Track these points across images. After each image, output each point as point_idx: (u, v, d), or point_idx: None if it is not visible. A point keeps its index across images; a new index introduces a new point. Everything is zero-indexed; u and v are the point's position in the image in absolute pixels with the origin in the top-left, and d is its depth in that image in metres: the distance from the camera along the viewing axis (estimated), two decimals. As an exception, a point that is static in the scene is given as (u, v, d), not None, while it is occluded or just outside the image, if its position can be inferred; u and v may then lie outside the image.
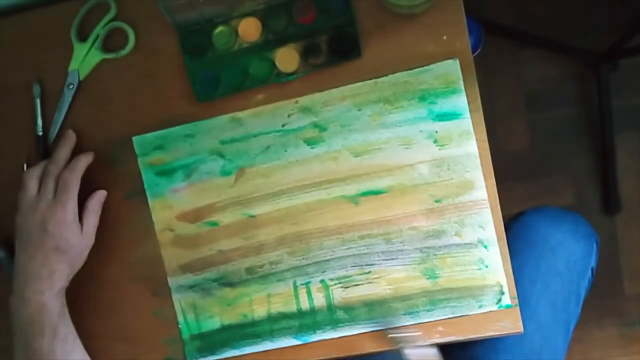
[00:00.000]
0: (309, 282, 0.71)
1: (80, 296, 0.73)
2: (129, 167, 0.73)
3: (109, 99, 0.73)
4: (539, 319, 0.78)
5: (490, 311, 0.68)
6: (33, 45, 0.74)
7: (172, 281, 0.73)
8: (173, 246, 0.73)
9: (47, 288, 0.65)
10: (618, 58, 1.29)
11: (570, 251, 0.80)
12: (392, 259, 0.69)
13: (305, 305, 0.71)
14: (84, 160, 0.70)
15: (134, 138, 0.73)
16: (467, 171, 0.68)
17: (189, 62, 0.71)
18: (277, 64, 0.69)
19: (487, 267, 0.68)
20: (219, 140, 0.71)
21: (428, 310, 0.69)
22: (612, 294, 1.33)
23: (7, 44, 0.75)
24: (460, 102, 0.68)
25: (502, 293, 0.68)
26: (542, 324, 0.78)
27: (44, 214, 0.66)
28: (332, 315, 0.71)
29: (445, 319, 0.69)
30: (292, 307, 0.71)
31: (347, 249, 0.70)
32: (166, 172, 0.72)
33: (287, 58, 0.69)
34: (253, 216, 0.71)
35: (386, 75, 0.69)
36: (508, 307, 0.68)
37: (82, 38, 0.73)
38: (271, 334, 0.72)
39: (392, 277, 0.69)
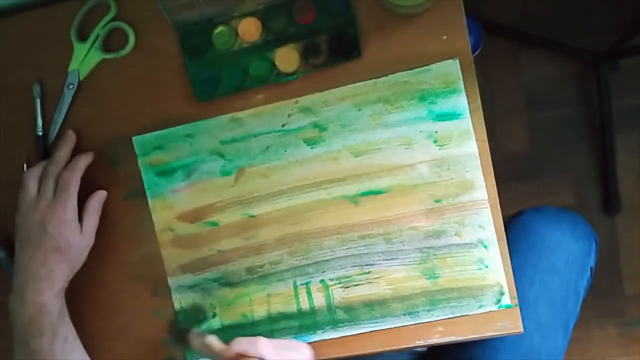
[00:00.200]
0: (309, 282, 0.71)
1: (80, 296, 0.73)
2: (129, 167, 0.73)
3: (109, 99, 0.73)
4: (538, 319, 0.78)
5: (490, 311, 0.68)
6: (33, 45, 0.74)
7: (172, 281, 0.73)
8: (173, 246, 0.73)
9: (46, 288, 0.65)
10: (618, 58, 1.29)
11: (569, 250, 0.80)
12: (392, 259, 0.69)
13: (305, 305, 0.71)
14: (84, 160, 0.70)
15: (134, 138, 0.73)
16: (467, 171, 0.68)
17: (189, 62, 0.71)
18: (277, 64, 0.69)
19: (487, 267, 0.68)
20: (219, 140, 0.71)
21: (428, 310, 0.69)
22: (612, 294, 1.32)
23: (7, 44, 0.75)
24: (460, 102, 0.68)
25: (502, 293, 0.68)
26: (541, 324, 0.78)
27: (44, 214, 0.66)
28: (332, 315, 0.71)
29: (445, 319, 0.69)
30: (292, 307, 0.71)
31: (347, 249, 0.70)
32: (166, 172, 0.72)
33: (287, 58, 0.69)
34: (253, 216, 0.71)
35: (386, 75, 0.69)
36: (508, 307, 0.68)
37: (82, 38, 0.73)
38: (271, 334, 0.72)
39: (392, 277, 0.69)
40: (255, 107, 0.71)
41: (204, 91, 0.71)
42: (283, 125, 0.70)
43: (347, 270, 0.70)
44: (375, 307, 0.70)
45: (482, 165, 0.68)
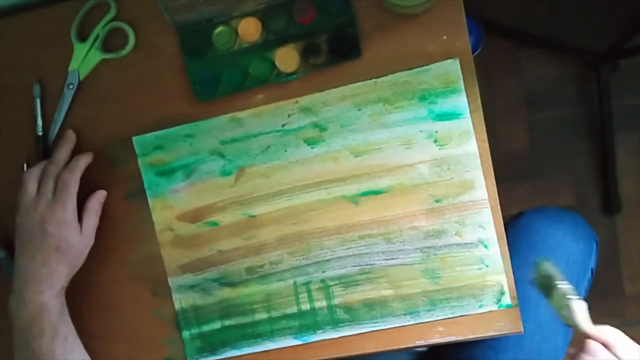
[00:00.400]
0: (309, 282, 0.71)
1: (80, 296, 0.73)
2: (129, 167, 0.73)
3: (109, 99, 0.73)
4: (538, 319, 0.78)
5: (491, 311, 0.68)
6: (33, 45, 0.74)
7: (172, 281, 0.73)
8: (173, 246, 0.73)
9: (46, 288, 0.65)
10: (618, 58, 1.29)
11: (569, 251, 0.80)
12: (393, 258, 0.69)
13: (305, 305, 0.71)
14: (84, 160, 0.70)
15: (134, 138, 0.73)
16: (467, 171, 0.68)
17: (189, 62, 0.71)
18: (277, 64, 0.69)
19: (487, 266, 0.68)
20: (219, 140, 0.71)
21: (428, 310, 0.69)
22: (612, 294, 1.32)
23: (7, 44, 0.75)
24: (460, 102, 0.68)
25: (503, 293, 0.68)
26: (542, 324, 0.78)
27: (44, 214, 0.66)
28: (332, 315, 0.71)
29: (445, 319, 0.69)
30: (292, 307, 0.71)
31: (347, 249, 0.70)
32: (166, 172, 0.72)
33: (287, 58, 0.69)
34: (253, 216, 0.71)
35: (386, 75, 0.69)
36: (508, 306, 0.68)
37: (82, 38, 0.73)
38: (271, 334, 0.72)
39: (392, 277, 0.69)
40: (255, 107, 0.71)
41: (204, 91, 0.71)
42: (283, 125, 0.70)
43: (347, 270, 0.70)
44: (375, 307, 0.70)
45: (482, 165, 0.68)
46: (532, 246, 0.80)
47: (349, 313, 0.70)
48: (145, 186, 0.73)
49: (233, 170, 0.71)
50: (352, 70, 0.69)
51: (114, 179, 0.73)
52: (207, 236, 0.72)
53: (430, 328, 0.69)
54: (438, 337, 0.69)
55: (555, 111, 1.35)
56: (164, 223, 0.73)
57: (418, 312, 0.69)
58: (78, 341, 0.68)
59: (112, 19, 0.73)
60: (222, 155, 0.71)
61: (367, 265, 0.70)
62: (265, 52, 0.70)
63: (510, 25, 1.34)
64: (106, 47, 0.73)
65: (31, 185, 0.68)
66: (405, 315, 0.69)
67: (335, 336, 0.71)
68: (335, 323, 0.71)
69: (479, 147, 0.68)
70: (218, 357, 0.72)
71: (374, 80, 0.69)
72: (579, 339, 0.57)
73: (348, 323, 0.70)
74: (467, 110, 0.68)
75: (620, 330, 0.59)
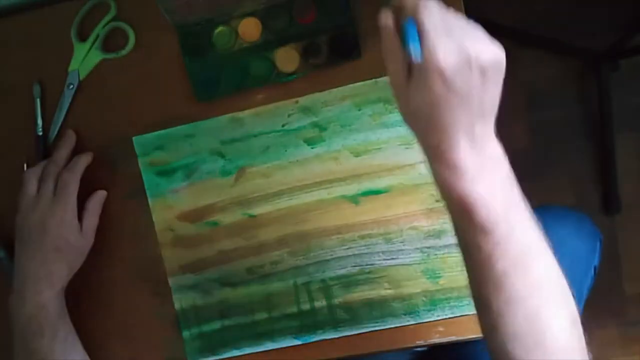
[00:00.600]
0: (310, 282, 0.71)
1: (80, 296, 0.73)
2: (129, 167, 0.73)
3: (109, 99, 0.73)
4: None
5: (491, 311, 0.68)
6: (33, 45, 0.74)
7: (172, 281, 0.73)
8: (173, 246, 0.73)
9: (46, 288, 0.65)
10: (618, 58, 1.29)
11: (573, 249, 0.80)
12: (393, 258, 0.69)
13: (305, 305, 0.71)
14: (84, 160, 0.70)
15: (134, 138, 0.73)
16: (467, 171, 0.68)
17: (189, 62, 0.71)
18: (277, 64, 0.69)
19: (487, 267, 0.68)
20: (219, 140, 0.71)
21: (428, 310, 0.69)
22: (612, 294, 1.32)
23: (7, 44, 0.75)
24: (460, 102, 0.67)
25: (503, 293, 0.68)
26: None
27: (44, 214, 0.66)
28: (332, 315, 0.71)
29: (445, 318, 0.69)
30: (293, 307, 0.71)
31: (348, 248, 0.70)
32: (166, 172, 0.72)
33: (287, 58, 0.69)
34: (253, 216, 0.71)
35: (386, 75, 0.68)
36: (508, 307, 0.68)
37: (82, 38, 0.73)
38: (271, 334, 0.72)
39: (393, 277, 0.69)
40: (256, 107, 0.71)
41: (204, 91, 0.71)
42: (283, 125, 0.70)
43: (347, 270, 0.70)
44: (375, 307, 0.70)
45: (482, 165, 0.68)
46: None
47: (349, 313, 0.70)
48: (145, 186, 0.73)
49: (233, 170, 0.71)
50: (352, 70, 0.69)
51: (114, 179, 0.73)
52: (207, 236, 0.72)
53: (430, 328, 0.69)
54: (438, 337, 0.69)
55: (555, 111, 1.35)
56: (164, 223, 0.73)
57: (418, 312, 0.69)
58: (77, 341, 0.68)
59: (112, 19, 0.73)
60: (222, 155, 0.71)
61: (367, 265, 0.70)
62: (265, 52, 0.70)
63: (510, 25, 1.34)
64: (106, 47, 0.73)
65: (31, 185, 0.68)
66: (405, 315, 0.69)
67: (335, 336, 0.71)
68: (335, 323, 0.71)
69: (479, 147, 0.68)
70: (218, 357, 0.72)
71: (374, 80, 0.69)
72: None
73: (348, 323, 0.70)
74: (467, 110, 0.67)
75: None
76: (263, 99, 0.71)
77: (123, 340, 0.74)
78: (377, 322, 0.70)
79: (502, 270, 0.44)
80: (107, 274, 0.74)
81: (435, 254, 0.69)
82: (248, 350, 0.72)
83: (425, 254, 0.69)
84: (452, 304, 0.69)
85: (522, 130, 1.35)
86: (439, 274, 0.69)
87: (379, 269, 0.70)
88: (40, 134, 0.74)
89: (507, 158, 0.45)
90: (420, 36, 0.41)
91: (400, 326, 0.70)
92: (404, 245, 0.69)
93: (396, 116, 0.69)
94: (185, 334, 0.73)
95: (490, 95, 0.44)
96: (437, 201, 0.68)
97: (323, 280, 0.71)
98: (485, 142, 0.44)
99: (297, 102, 0.70)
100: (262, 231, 0.71)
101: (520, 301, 0.45)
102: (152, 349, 0.73)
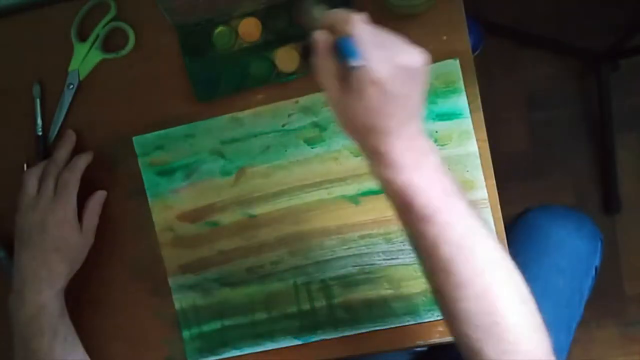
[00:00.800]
0: (310, 282, 0.71)
1: (80, 296, 0.73)
2: (129, 167, 0.73)
3: (109, 99, 0.73)
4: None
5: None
6: (33, 45, 0.74)
7: (172, 281, 0.73)
8: (173, 246, 0.73)
9: (46, 288, 0.65)
10: (618, 58, 1.29)
11: (574, 249, 0.80)
12: (393, 258, 0.69)
13: (305, 305, 0.71)
14: (84, 160, 0.70)
15: (134, 138, 0.73)
16: (467, 171, 0.68)
17: (189, 62, 0.71)
18: (277, 64, 0.69)
19: (487, 267, 0.68)
20: (219, 140, 0.71)
21: (428, 310, 0.69)
22: (613, 294, 1.32)
23: (7, 44, 0.75)
24: (460, 101, 0.68)
25: (503, 293, 0.68)
26: (544, 321, 0.78)
27: (44, 214, 0.66)
28: (332, 315, 0.71)
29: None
30: (293, 307, 0.71)
31: (348, 248, 0.70)
32: (166, 172, 0.72)
33: (287, 58, 0.69)
34: (253, 216, 0.71)
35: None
36: (508, 307, 0.68)
37: (82, 38, 0.73)
38: (271, 334, 0.72)
39: (393, 277, 0.69)
40: (256, 107, 0.71)
41: (204, 91, 0.71)
42: (283, 125, 0.70)
43: (347, 270, 0.70)
44: (375, 307, 0.70)
45: (482, 165, 0.68)
46: (536, 243, 0.80)
47: (349, 313, 0.70)
48: (145, 186, 0.73)
49: (233, 170, 0.71)
50: (352, 70, 0.69)
51: (114, 179, 0.73)
52: (207, 236, 0.72)
53: (430, 328, 0.69)
54: (438, 337, 0.69)
55: (555, 111, 1.35)
56: (164, 223, 0.73)
57: (418, 312, 0.69)
58: (77, 341, 0.68)
59: (112, 19, 0.73)
60: (222, 155, 0.71)
61: (367, 265, 0.70)
62: (265, 52, 0.70)
63: (510, 25, 1.34)
64: (106, 47, 0.73)
65: (31, 185, 0.68)
66: (405, 315, 0.69)
67: (335, 336, 0.71)
68: (335, 323, 0.71)
69: (479, 147, 0.68)
70: (218, 357, 0.72)
71: (374, 80, 0.69)
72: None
73: (348, 323, 0.70)
74: (467, 110, 0.68)
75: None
76: (263, 99, 0.71)
77: (123, 340, 0.74)
78: (377, 322, 0.70)
79: (447, 256, 0.48)
80: (107, 274, 0.74)
81: (435, 254, 0.69)
82: (248, 350, 0.72)
83: (425, 254, 0.69)
84: (452, 304, 0.69)
85: (522, 130, 1.35)
86: (439, 274, 0.69)
87: (379, 269, 0.70)
88: (40, 134, 0.74)
89: (436, 150, 0.50)
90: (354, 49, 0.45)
91: (400, 326, 0.70)
92: (404, 245, 0.69)
93: (396, 116, 0.68)
94: (185, 334, 0.73)
95: (417, 97, 0.48)
96: (437, 201, 0.68)
97: (323, 280, 0.71)
98: (416, 138, 0.48)
99: (297, 102, 0.70)
100: (262, 231, 0.71)
101: (469, 284, 0.48)
102: (152, 349, 0.73)
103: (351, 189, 0.70)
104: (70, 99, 0.73)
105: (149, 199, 0.73)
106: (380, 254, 0.69)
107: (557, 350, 0.79)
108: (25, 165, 0.74)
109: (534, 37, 1.33)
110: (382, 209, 0.69)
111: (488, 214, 0.68)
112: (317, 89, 0.69)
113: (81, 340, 0.68)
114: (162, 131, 0.72)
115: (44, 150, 0.74)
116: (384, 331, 0.70)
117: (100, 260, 0.73)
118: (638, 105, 1.32)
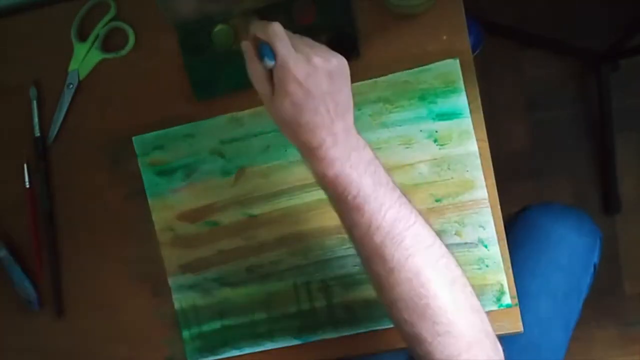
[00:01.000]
0: (310, 282, 0.71)
1: (80, 296, 0.73)
2: (129, 167, 0.73)
3: (109, 99, 0.73)
4: (538, 312, 0.78)
5: (491, 310, 0.68)
6: (33, 45, 0.74)
7: (172, 281, 0.73)
8: (173, 246, 0.73)
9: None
10: (618, 58, 1.29)
11: (573, 246, 0.81)
12: (392, 258, 0.69)
13: (305, 305, 0.71)
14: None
15: (134, 138, 0.73)
16: (467, 170, 0.68)
17: (188, 61, 0.71)
18: (277, 63, 0.69)
19: (487, 266, 0.68)
20: (219, 140, 0.71)
21: (428, 310, 0.69)
22: (612, 294, 1.32)
23: (6, 44, 0.75)
24: (460, 101, 0.68)
25: (503, 292, 0.68)
26: (542, 317, 0.78)
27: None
28: (332, 315, 0.71)
29: (446, 318, 0.69)
30: (292, 307, 0.71)
31: (348, 248, 0.70)
32: (166, 172, 0.72)
33: (287, 58, 0.69)
34: (253, 216, 0.71)
35: (386, 75, 0.68)
36: (508, 306, 0.68)
37: (82, 38, 0.73)
38: (271, 334, 0.72)
39: (392, 277, 0.69)
40: (255, 107, 0.71)
41: (203, 91, 0.71)
42: (283, 125, 0.70)
43: (347, 270, 0.70)
44: (375, 307, 0.70)
45: (482, 164, 0.68)
46: (535, 240, 0.80)
47: (349, 313, 0.70)
48: (145, 186, 0.73)
49: (233, 170, 0.71)
50: (352, 70, 0.68)
51: (114, 179, 0.73)
52: (207, 236, 0.72)
53: (431, 328, 0.69)
54: (438, 337, 0.69)
55: (555, 111, 1.35)
56: (164, 223, 0.73)
57: (418, 312, 0.69)
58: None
59: (112, 19, 0.73)
60: (222, 155, 0.71)
61: (367, 265, 0.70)
62: (265, 52, 0.70)
63: (510, 25, 1.34)
64: (106, 47, 0.73)
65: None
66: (405, 315, 0.69)
67: (335, 336, 0.71)
68: (335, 323, 0.71)
69: (479, 147, 0.68)
70: (218, 357, 0.72)
71: (373, 80, 0.69)
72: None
73: (348, 323, 0.70)
74: (467, 110, 0.68)
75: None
76: (263, 99, 0.71)
77: (123, 340, 0.74)
78: (377, 322, 0.70)
79: (380, 242, 0.51)
80: (107, 274, 0.74)
81: (435, 254, 0.68)
82: (248, 350, 0.72)
83: (425, 254, 0.69)
84: (452, 303, 0.68)
85: (522, 130, 1.35)
86: (439, 273, 0.69)
87: (379, 268, 0.69)
88: (38, 135, 0.74)
89: (370, 146, 0.52)
90: (273, 53, 0.50)
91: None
92: (403, 245, 0.69)
93: (396, 116, 0.69)
94: (185, 334, 0.73)
95: (342, 96, 0.51)
96: (437, 201, 0.68)
97: (323, 280, 0.70)
98: (347, 135, 0.51)
99: (297, 102, 0.70)
100: (262, 231, 0.71)
101: (400, 268, 0.50)
102: (152, 349, 0.74)
103: (351, 188, 0.69)
104: (70, 98, 0.73)
105: (149, 199, 0.73)
106: (380, 254, 0.69)
107: (554, 347, 0.80)
108: (25, 166, 0.74)
109: (534, 37, 1.33)
110: (382, 209, 0.69)
111: (488, 213, 0.68)
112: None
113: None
114: (162, 131, 0.72)
115: (43, 150, 0.74)
116: (384, 331, 0.70)
117: (100, 260, 0.73)
118: (638, 105, 1.32)
